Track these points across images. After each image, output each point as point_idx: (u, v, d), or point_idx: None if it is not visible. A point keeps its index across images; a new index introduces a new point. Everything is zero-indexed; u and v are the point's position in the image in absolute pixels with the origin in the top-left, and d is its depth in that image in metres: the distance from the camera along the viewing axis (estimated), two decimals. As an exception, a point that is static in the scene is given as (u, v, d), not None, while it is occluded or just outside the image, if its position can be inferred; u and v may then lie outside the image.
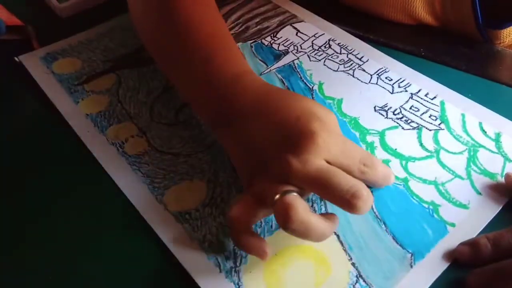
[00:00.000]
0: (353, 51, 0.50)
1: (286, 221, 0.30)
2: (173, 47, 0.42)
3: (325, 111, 0.34)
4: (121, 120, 0.45)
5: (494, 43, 0.50)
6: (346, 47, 0.51)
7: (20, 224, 0.39)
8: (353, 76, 0.48)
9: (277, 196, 0.31)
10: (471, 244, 0.34)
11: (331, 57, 0.50)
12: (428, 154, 0.41)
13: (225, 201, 0.38)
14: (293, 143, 0.32)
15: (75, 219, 0.39)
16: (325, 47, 0.51)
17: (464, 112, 0.43)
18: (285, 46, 0.52)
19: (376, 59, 0.49)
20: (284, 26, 0.54)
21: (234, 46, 0.42)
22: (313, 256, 0.35)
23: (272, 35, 0.53)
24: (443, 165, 0.40)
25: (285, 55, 0.51)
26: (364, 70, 0.48)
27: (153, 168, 0.41)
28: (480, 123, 0.42)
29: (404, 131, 0.42)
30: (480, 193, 0.37)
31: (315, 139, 0.32)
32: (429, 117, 0.43)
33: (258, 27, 0.55)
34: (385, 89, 0.46)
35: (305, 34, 0.53)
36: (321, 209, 0.37)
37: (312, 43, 0.52)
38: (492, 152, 0.40)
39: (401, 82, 0.47)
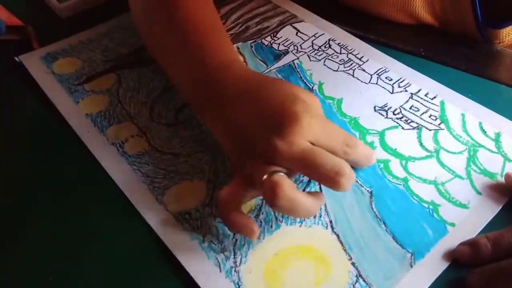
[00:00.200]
0: (353, 51, 0.50)
1: (273, 198, 0.32)
2: (165, 33, 0.44)
3: (308, 95, 0.36)
4: (121, 120, 0.45)
5: (494, 43, 0.50)
6: (346, 47, 0.51)
7: (20, 224, 0.39)
8: (353, 76, 0.48)
9: (265, 176, 0.33)
10: (471, 244, 0.34)
11: (331, 57, 0.50)
12: (428, 154, 0.41)
13: (225, 201, 0.38)
14: (278, 125, 0.34)
15: (75, 219, 0.39)
16: (325, 47, 0.51)
17: (464, 112, 0.43)
18: (285, 46, 0.52)
19: (376, 59, 0.49)
20: (284, 26, 0.54)
21: (225, 35, 0.43)
22: (313, 256, 0.35)
23: (272, 35, 0.53)
24: (443, 165, 0.40)
25: (285, 55, 0.51)
26: (364, 70, 0.48)
27: (153, 168, 0.41)
28: (480, 123, 0.42)
29: (404, 131, 0.42)
30: (480, 193, 0.38)
31: (300, 121, 0.33)
32: (429, 117, 0.43)
33: (258, 27, 0.55)
34: (385, 89, 0.46)
35: (305, 34, 0.53)
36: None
37: (312, 43, 0.52)
38: (492, 152, 0.40)
39: (401, 82, 0.47)
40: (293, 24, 0.54)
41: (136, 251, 0.36)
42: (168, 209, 0.38)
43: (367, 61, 0.49)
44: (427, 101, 0.45)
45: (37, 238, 0.38)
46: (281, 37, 0.53)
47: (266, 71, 0.49)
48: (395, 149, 0.41)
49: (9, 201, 0.40)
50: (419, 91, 0.45)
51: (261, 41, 0.53)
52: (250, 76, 0.39)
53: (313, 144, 0.34)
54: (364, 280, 0.33)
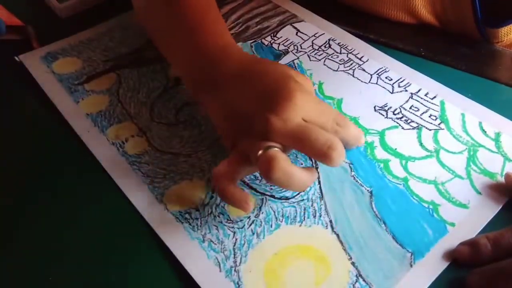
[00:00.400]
0: (353, 50, 0.50)
1: (269, 171, 0.33)
2: (164, 15, 0.45)
3: (300, 74, 0.38)
4: (121, 120, 0.45)
5: (493, 42, 0.50)
6: (346, 47, 0.51)
7: (20, 224, 0.39)
8: (353, 75, 0.48)
9: (261, 152, 0.34)
10: (471, 243, 0.34)
11: (331, 56, 0.50)
12: (428, 153, 0.41)
13: (225, 201, 0.38)
14: (273, 103, 0.35)
15: (75, 219, 0.39)
16: (325, 46, 0.51)
17: (464, 112, 0.43)
18: (285, 46, 0.52)
19: (376, 58, 0.49)
20: (284, 26, 0.54)
21: (221, 20, 0.44)
22: (313, 256, 0.35)
23: (272, 34, 0.53)
24: (443, 165, 0.40)
25: (285, 55, 0.51)
26: (364, 70, 0.48)
27: (153, 168, 0.41)
28: (480, 123, 0.42)
29: (404, 131, 0.42)
30: (480, 193, 0.38)
31: (293, 99, 0.35)
32: (429, 116, 0.43)
33: (258, 26, 0.55)
34: (385, 88, 0.46)
35: (305, 34, 0.53)
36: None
37: (312, 43, 0.52)
38: (492, 151, 0.40)
39: (401, 82, 0.47)
40: (293, 24, 0.54)
41: (136, 251, 0.36)
42: (168, 209, 0.38)
43: (367, 61, 0.49)
44: (427, 101, 0.45)
45: (37, 238, 0.38)
46: (281, 37, 0.53)
47: (266, 71, 0.49)
48: (395, 149, 0.41)
49: (9, 201, 0.40)
50: (419, 91, 0.45)
51: (261, 41, 0.53)
52: (244, 58, 0.40)
53: (305, 121, 0.35)
54: (364, 280, 0.33)
